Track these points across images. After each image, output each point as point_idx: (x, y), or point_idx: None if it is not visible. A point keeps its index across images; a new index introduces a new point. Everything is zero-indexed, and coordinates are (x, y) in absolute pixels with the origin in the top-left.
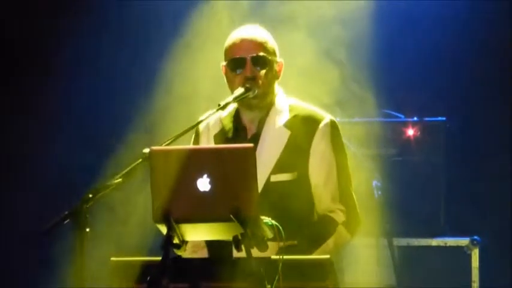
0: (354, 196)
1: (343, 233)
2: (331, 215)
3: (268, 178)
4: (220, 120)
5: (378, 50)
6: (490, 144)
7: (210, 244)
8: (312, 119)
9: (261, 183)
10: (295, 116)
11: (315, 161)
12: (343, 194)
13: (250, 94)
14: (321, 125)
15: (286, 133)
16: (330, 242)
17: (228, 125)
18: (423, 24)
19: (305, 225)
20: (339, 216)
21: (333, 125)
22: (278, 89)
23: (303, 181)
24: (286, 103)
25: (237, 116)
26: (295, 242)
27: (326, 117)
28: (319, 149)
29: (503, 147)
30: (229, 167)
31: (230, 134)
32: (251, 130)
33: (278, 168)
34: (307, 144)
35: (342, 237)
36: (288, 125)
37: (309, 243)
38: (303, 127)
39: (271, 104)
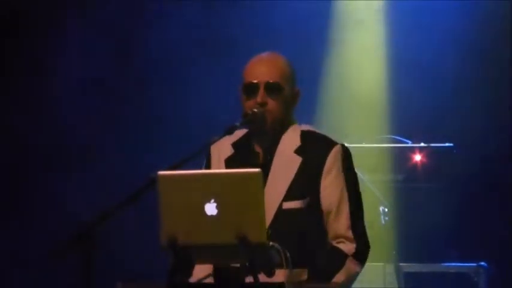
0: (365, 223)
1: (353, 265)
2: (340, 246)
3: (280, 205)
4: (231, 144)
5: (385, 76)
6: (498, 169)
7: (218, 269)
8: (323, 145)
9: (272, 210)
10: (306, 143)
11: (327, 187)
12: (353, 221)
13: (258, 120)
14: (332, 151)
15: (298, 160)
16: (341, 276)
17: (241, 150)
18: (430, 46)
19: (314, 259)
20: (348, 247)
21: (344, 151)
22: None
23: (314, 208)
24: (298, 130)
25: (249, 141)
26: (305, 277)
27: (337, 143)
28: (330, 176)
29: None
30: (236, 192)
31: (243, 159)
32: (263, 156)
33: (290, 196)
34: (318, 170)
35: (352, 269)
36: (299, 151)
37: (319, 279)
38: (314, 153)
39: (282, 131)
